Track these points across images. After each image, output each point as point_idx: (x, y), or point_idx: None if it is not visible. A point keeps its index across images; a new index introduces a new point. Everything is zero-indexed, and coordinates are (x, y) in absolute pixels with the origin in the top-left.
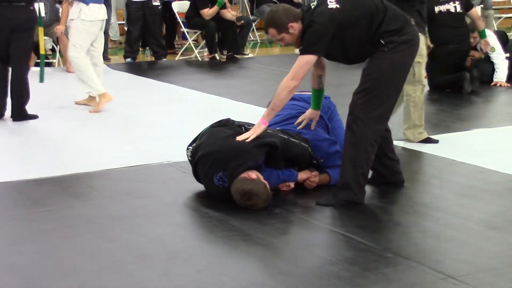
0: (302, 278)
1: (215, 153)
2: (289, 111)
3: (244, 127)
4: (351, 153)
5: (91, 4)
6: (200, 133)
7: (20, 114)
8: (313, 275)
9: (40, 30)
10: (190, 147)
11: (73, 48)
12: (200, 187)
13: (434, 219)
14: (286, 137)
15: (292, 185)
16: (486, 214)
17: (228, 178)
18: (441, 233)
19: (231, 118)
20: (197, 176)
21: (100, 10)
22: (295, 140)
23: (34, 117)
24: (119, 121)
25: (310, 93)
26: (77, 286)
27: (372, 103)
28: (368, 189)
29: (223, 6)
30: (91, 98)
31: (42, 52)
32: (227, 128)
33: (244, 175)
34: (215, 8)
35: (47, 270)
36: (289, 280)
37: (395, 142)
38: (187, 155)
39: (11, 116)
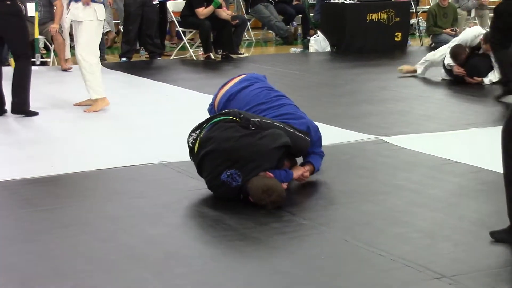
0: (298, 278)
1: (230, 151)
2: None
3: (251, 123)
4: None
5: (101, 4)
6: (205, 122)
7: (18, 107)
8: (308, 274)
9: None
10: (193, 134)
11: (87, 49)
12: (196, 186)
13: (429, 219)
14: (292, 130)
15: (285, 185)
16: (481, 214)
17: (243, 178)
18: (436, 233)
19: (236, 110)
20: (197, 165)
21: (104, 9)
22: (299, 134)
23: (34, 113)
24: (114, 121)
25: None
26: (72, 286)
27: None
28: (361, 189)
29: (219, 6)
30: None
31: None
32: (239, 126)
33: (261, 173)
34: (210, 8)
35: (41, 270)
36: (285, 279)
37: (378, 138)
38: (188, 141)
39: (11, 109)
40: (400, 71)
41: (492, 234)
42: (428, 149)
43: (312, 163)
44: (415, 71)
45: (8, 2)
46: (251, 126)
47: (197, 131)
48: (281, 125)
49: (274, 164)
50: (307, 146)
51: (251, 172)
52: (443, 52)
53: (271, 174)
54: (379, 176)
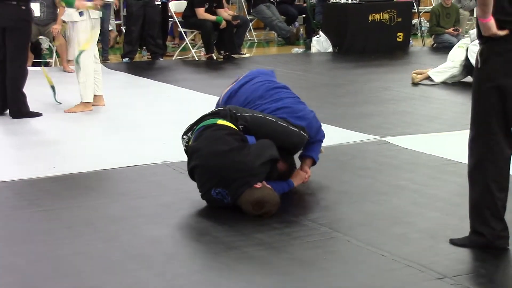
0: (299, 278)
1: (215, 169)
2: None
3: (240, 119)
4: None
5: (93, 2)
6: (196, 123)
7: (17, 111)
8: (310, 274)
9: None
10: (185, 137)
11: (84, 50)
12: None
13: (431, 219)
14: (285, 125)
15: None
16: None
17: (231, 196)
18: (438, 233)
19: (228, 106)
20: (189, 174)
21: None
22: (294, 129)
23: (37, 114)
24: (116, 121)
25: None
26: (74, 286)
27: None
28: (363, 190)
29: (220, 6)
30: (97, 97)
31: (51, 83)
32: (227, 135)
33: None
34: (212, 17)
35: (44, 270)
36: (286, 279)
37: (380, 139)
38: (182, 144)
39: (10, 114)
40: (415, 79)
41: (452, 240)
42: (430, 149)
43: (311, 157)
44: (428, 77)
45: (23, 8)
46: (239, 126)
47: (189, 134)
48: (273, 119)
49: (263, 179)
50: (302, 142)
51: (238, 189)
52: (459, 56)
53: (259, 185)
54: (380, 177)
